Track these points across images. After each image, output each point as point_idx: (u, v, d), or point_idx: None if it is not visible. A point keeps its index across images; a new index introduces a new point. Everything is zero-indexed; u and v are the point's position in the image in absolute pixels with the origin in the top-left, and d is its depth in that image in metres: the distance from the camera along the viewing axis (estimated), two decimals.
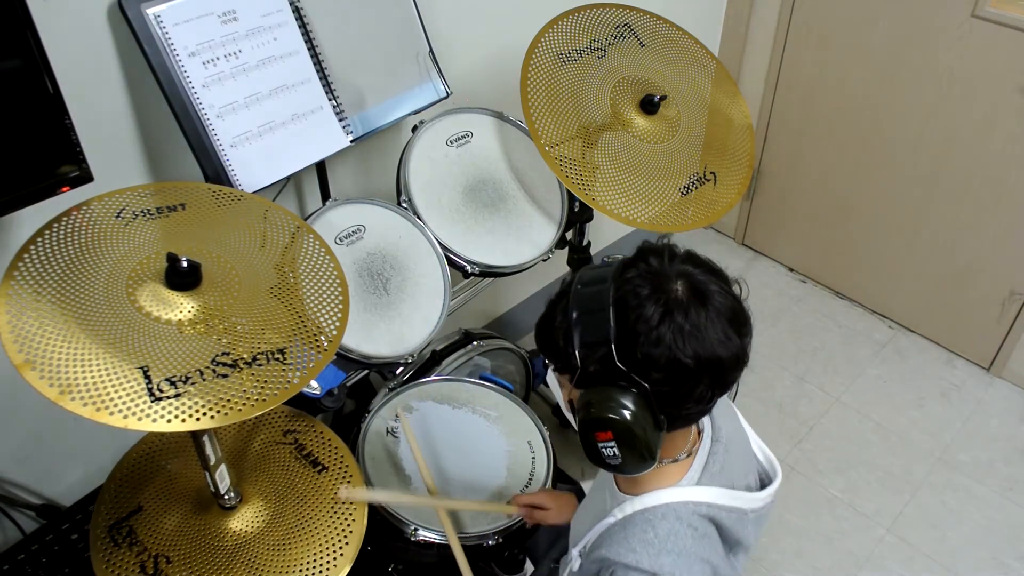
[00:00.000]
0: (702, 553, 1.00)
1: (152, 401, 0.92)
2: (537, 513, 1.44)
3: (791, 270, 2.99)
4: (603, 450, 0.96)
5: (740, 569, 1.10)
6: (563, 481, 1.81)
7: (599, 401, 0.94)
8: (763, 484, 1.16)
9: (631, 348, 0.91)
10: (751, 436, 1.19)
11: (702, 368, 0.91)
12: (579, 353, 0.94)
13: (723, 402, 1.16)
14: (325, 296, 1.15)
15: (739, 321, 0.94)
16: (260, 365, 1.00)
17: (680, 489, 1.03)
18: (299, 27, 1.47)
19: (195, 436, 1.10)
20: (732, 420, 1.15)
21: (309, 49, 1.49)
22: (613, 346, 0.91)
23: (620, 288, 0.93)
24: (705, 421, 1.11)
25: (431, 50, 1.67)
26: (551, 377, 1.09)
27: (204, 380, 0.96)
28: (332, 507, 1.28)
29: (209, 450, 1.12)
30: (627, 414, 0.92)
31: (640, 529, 1.01)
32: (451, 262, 1.65)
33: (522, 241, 1.73)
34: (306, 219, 1.48)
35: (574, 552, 1.11)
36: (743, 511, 1.06)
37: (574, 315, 0.94)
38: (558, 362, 1.00)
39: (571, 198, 1.79)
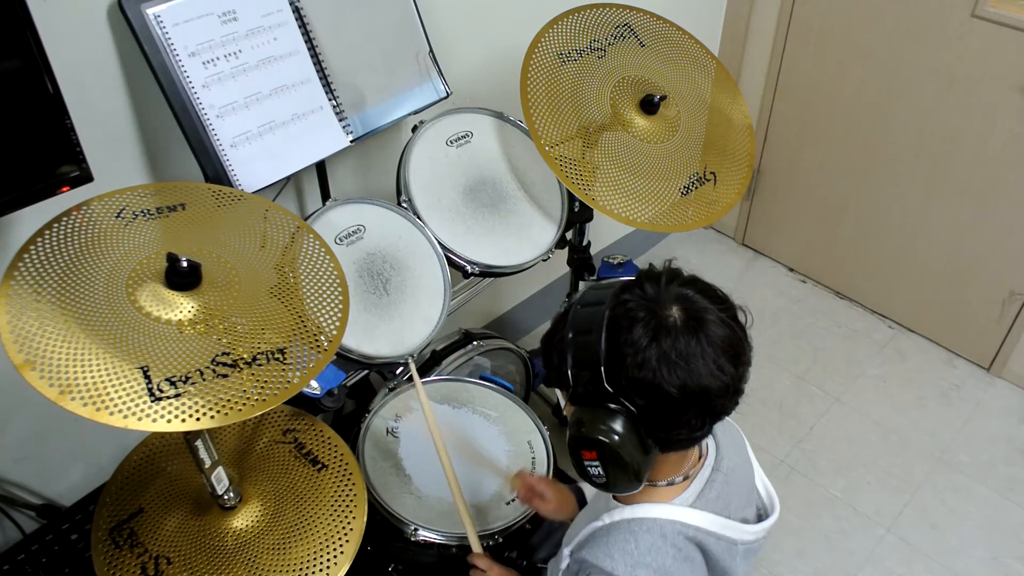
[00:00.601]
0: (680, 574, 1.00)
1: (152, 401, 0.92)
2: (535, 500, 1.42)
3: (791, 270, 2.99)
4: (589, 468, 0.97)
5: None
6: (563, 481, 1.81)
7: (587, 421, 0.95)
8: (760, 518, 1.15)
9: (617, 371, 0.91)
10: (757, 471, 1.18)
11: (688, 398, 0.90)
12: (571, 372, 0.95)
13: (734, 433, 1.15)
14: (325, 296, 1.15)
15: (735, 351, 0.93)
16: (260, 365, 1.00)
17: (671, 507, 1.03)
18: (299, 27, 1.47)
19: (188, 441, 1.10)
20: (740, 453, 1.14)
21: (309, 49, 1.49)
22: (602, 368, 0.92)
23: (614, 310, 0.94)
24: (710, 447, 1.10)
25: (431, 50, 1.67)
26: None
27: (204, 380, 0.96)
28: (332, 507, 1.28)
29: (203, 454, 1.12)
30: (613, 436, 0.93)
31: (622, 538, 1.01)
32: (451, 262, 1.64)
33: (522, 241, 1.73)
34: (306, 219, 1.48)
35: (565, 551, 1.12)
36: (733, 541, 1.05)
37: (569, 335, 0.96)
38: (555, 378, 1.01)
39: (571, 198, 1.79)
